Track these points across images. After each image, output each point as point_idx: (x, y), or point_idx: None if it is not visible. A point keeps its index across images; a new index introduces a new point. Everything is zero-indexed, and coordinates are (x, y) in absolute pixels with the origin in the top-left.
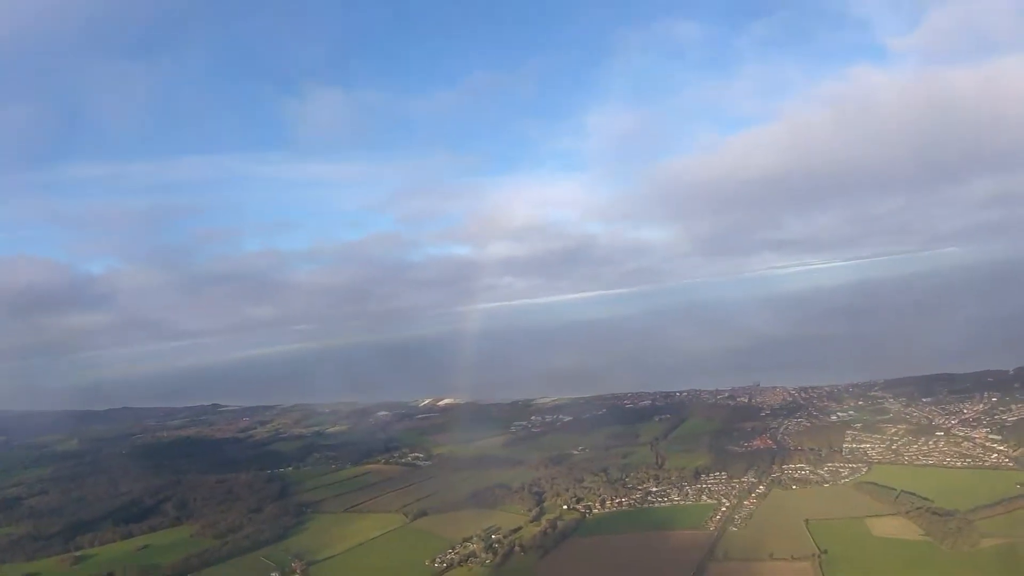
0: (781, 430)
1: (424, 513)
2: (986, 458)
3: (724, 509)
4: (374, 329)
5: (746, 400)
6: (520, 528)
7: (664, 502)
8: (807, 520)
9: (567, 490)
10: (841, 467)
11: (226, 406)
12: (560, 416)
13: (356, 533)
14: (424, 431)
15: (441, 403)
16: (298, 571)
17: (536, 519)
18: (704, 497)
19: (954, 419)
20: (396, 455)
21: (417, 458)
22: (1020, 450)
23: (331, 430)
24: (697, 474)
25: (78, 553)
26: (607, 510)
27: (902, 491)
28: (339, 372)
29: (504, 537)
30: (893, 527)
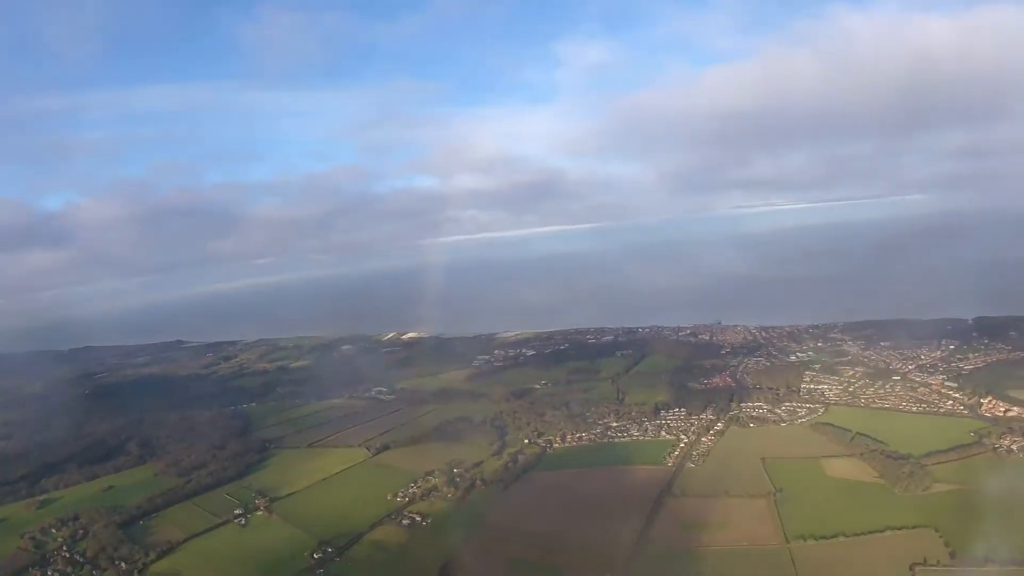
0: (741, 369)
1: (387, 447)
2: (941, 404)
3: (683, 445)
4: (338, 262)
5: (707, 338)
6: (482, 462)
7: (624, 437)
8: (763, 458)
9: (529, 424)
10: (798, 407)
11: (189, 342)
12: (523, 350)
13: (319, 468)
14: (388, 365)
15: (405, 337)
16: (261, 508)
17: (498, 453)
18: (663, 433)
19: (911, 364)
20: (360, 389)
21: (381, 392)
22: (975, 398)
23: (294, 365)
24: (657, 410)
25: (43, 497)
26: (568, 444)
27: (857, 433)
28: (303, 306)
29: (466, 471)
30: (847, 468)
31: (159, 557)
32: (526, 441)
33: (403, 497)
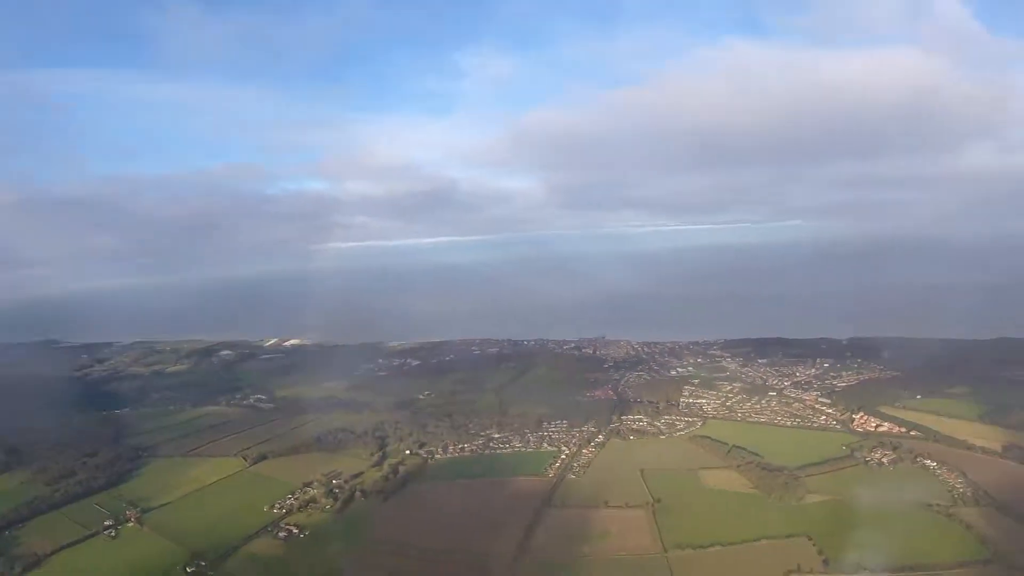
0: (623, 382)
1: (264, 457)
2: (815, 419)
3: (564, 457)
4: (224, 263)
5: (591, 352)
6: (362, 473)
7: (506, 449)
8: (643, 470)
9: (411, 435)
10: (677, 420)
11: (64, 342)
12: (408, 360)
13: (193, 478)
14: (268, 372)
15: (287, 343)
16: (132, 519)
17: (378, 464)
18: (545, 445)
19: (787, 381)
20: (238, 397)
21: (259, 400)
22: (847, 414)
23: (171, 369)
24: (539, 422)
25: None
26: (450, 455)
27: (734, 446)
28: (184, 308)
29: (345, 482)
30: (724, 479)
31: (25, 570)
32: (407, 452)
33: (280, 509)
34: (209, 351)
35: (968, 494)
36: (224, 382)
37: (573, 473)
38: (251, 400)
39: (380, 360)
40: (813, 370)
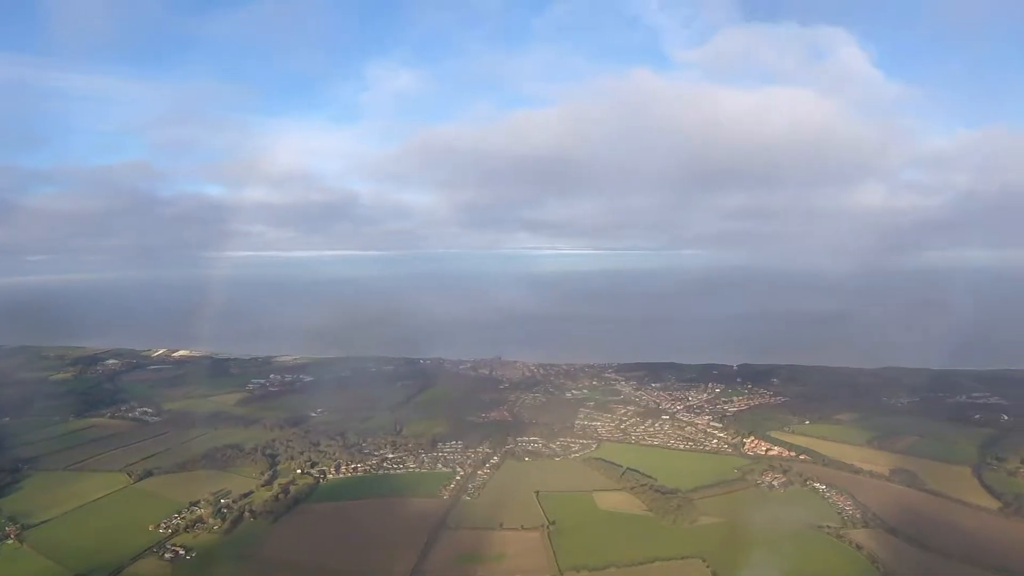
0: (519, 403)
1: (150, 473)
2: (707, 443)
3: (459, 478)
4: (116, 266)
5: (487, 372)
6: (252, 492)
7: (400, 469)
8: (538, 491)
9: (302, 453)
10: (572, 442)
11: None
12: (301, 376)
13: (77, 494)
14: (156, 383)
15: (176, 354)
16: (12, 536)
17: (268, 483)
18: (440, 465)
19: (680, 405)
20: (124, 409)
21: (146, 413)
22: (739, 437)
23: (56, 377)
24: (434, 442)
25: None
26: (342, 475)
27: (628, 468)
28: (73, 311)
29: (234, 501)
30: (618, 501)
31: None
32: (298, 471)
33: (166, 528)
34: (95, 359)
35: (857, 516)
36: (110, 393)
37: (468, 494)
38: (137, 413)
39: (272, 375)
40: (705, 395)
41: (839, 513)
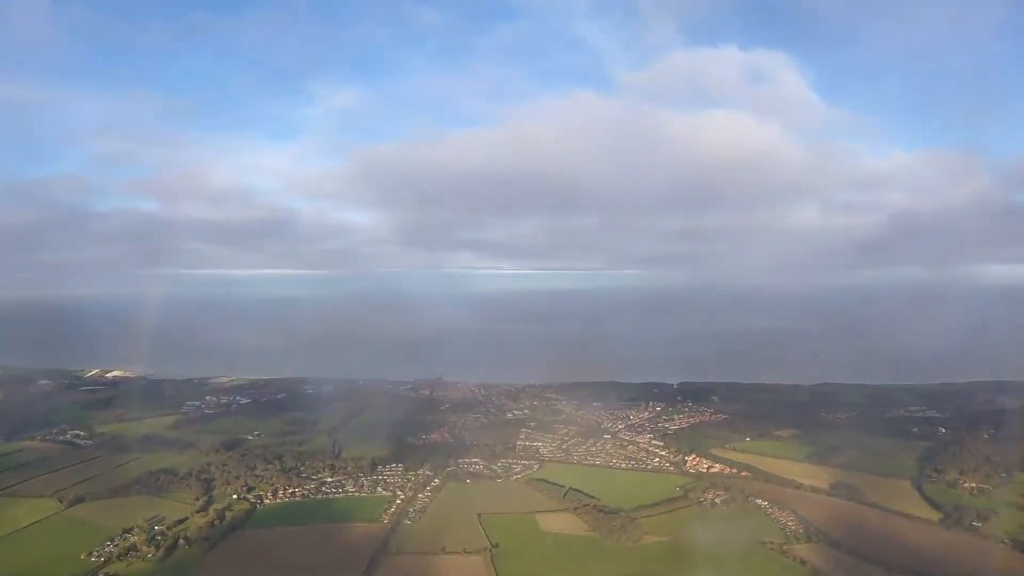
0: (460, 424)
1: (82, 499)
2: (649, 461)
3: (399, 502)
4: (45, 284)
5: (428, 393)
6: (187, 518)
7: (339, 493)
8: (480, 514)
9: (238, 478)
10: (514, 463)
11: None
12: (237, 398)
13: (5, 521)
14: (88, 405)
15: (110, 375)
16: None
17: (204, 509)
18: (380, 489)
19: (621, 424)
20: (54, 431)
21: (77, 436)
22: (680, 455)
23: None
24: (374, 465)
25: None
26: (279, 500)
27: (571, 488)
28: (2, 329)
29: (169, 528)
30: (561, 523)
31: None
32: (235, 496)
33: (99, 556)
34: (25, 379)
35: (800, 531)
36: (40, 414)
37: (409, 519)
38: (68, 435)
39: (207, 396)
40: (646, 413)
41: (782, 528)
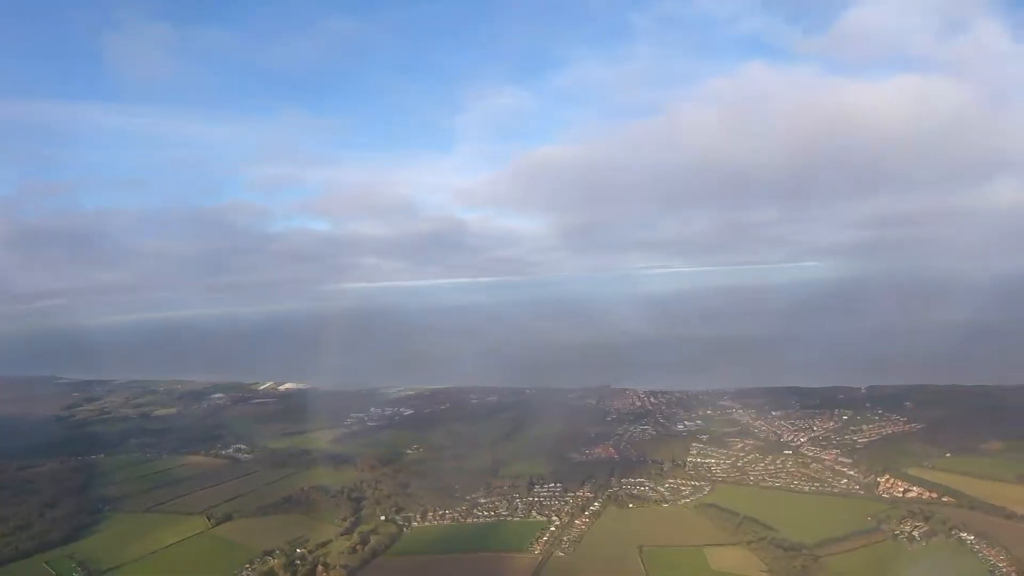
0: (625, 438)
1: (230, 517)
2: (836, 483)
3: (553, 529)
4: (230, 302)
5: (594, 402)
6: (330, 541)
7: (491, 516)
8: (641, 546)
9: (389, 497)
10: (683, 484)
11: (63, 378)
12: (401, 409)
13: (151, 539)
14: (256, 418)
15: (282, 388)
16: None
17: (349, 531)
18: (534, 513)
19: (803, 436)
20: (219, 445)
21: (239, 450)
22: (871, 476)
23: (159, 412)
24: (531, 484)
25: None
26: (428, 523)
27: (745, 517)
28: (186, 347)
29: (310, 552)
30: (734, 559)
31: None
32: (382, 518)
33: None
34: (201, 393)
35: (1013, 574)
36: (209, 428)
37: (562, 549)
38: (231, 450)
39: (373, 408)
40: (831, 423)
41: (991, 571)
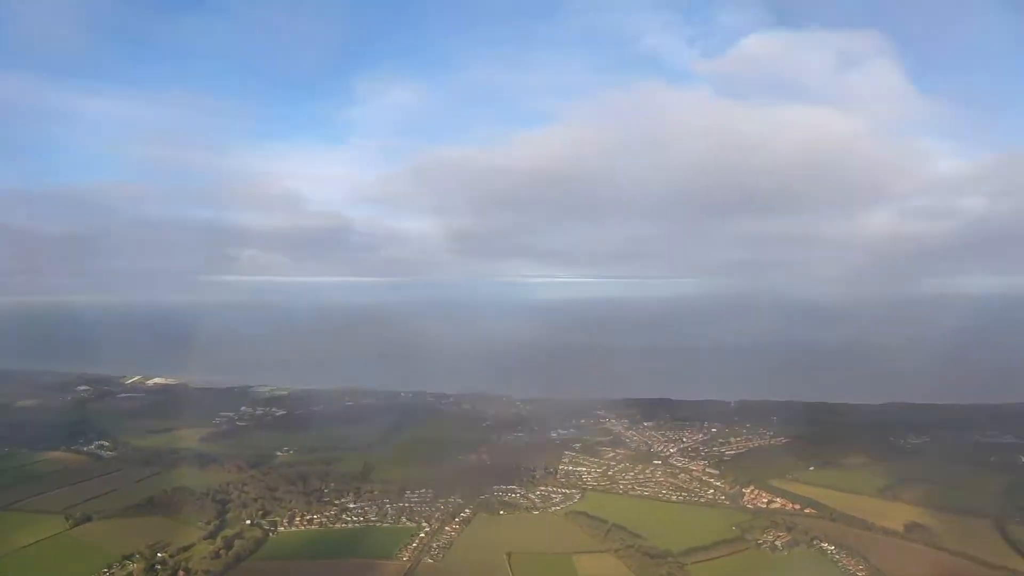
0: (499, 444)
1: (89, 518)
2: (703, 493)
3: (423, 535)
4: (101, 289)
5: (470, 408)
6: (193, 545)
7: (360, 522)
8: (510, 553)
9: (256, 500)
10: (554, 492)
11: None
12: (273, 409)
13: (4, 540)
14: (123, 413)
15: (151, 382)
16: None
17: (213, 535)
18: (404, 519)
19: (673, 447)
20: (81, 441)
21: (102, 447)
22: (737, 487)
23: (19, 404)
24: (402, 490)
25: None
26: (295, 528)
27: (614, 524)
28: (51, 335)
29: (172, 556)
30: (601, 566)
31: None
32: (248, 522)
33: None
34: (65, 386)
35: None
36: (72, 423)
37: (431, 556)
38: (93, 446)
39: (244, 407)
40: (700, 435)
41: None
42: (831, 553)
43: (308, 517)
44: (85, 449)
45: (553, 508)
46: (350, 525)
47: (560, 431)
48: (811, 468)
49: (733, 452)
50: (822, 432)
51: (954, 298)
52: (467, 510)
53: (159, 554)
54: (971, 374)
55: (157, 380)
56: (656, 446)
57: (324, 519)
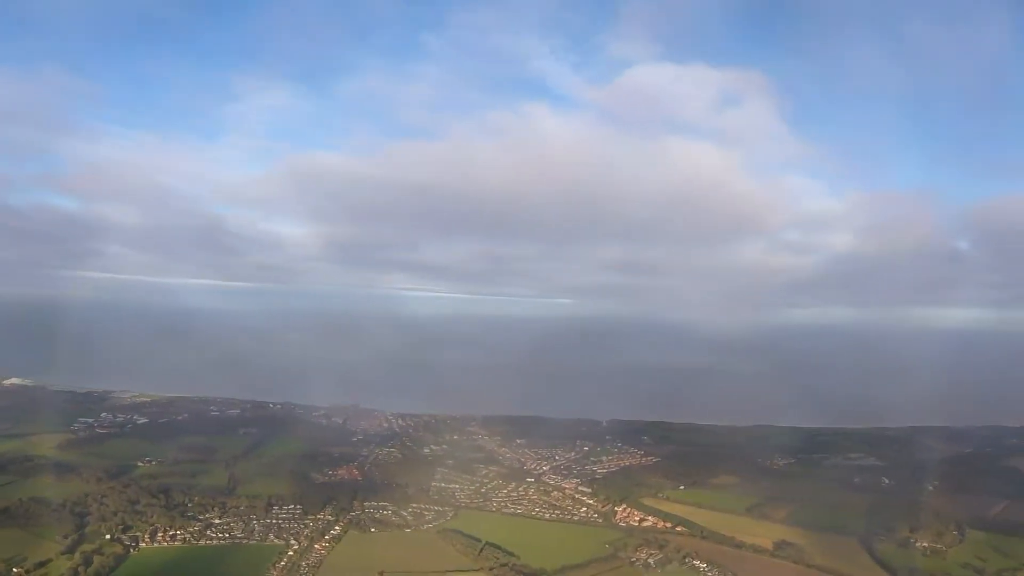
0: (371, 460)
1: None
2: (576, 511)
3: (292, 553)
4: None
5: (340, 421)
6: (50, 561)
7: (225, 539)
8: (382, 572)
9: (116, 514)
10: (427, 509)
11: None
12: (135, 417)
13: None
14: None
15: (6, 382)
16: None
17: (71, 550)
18: (272, 536)
19: (546, 465)
20: None
21: None
22: (609, 505)
23: None
24: (269, 505)
25: None
26: (157, 544)
27: (487, 543)
28: None
29: (27, 572)
30: None
31: None
32: (107, 537)
33: None
34: None
35: None
36: None
37: (300, 575)
38: None
39: (104, 414)
40: (573, 453)
41: None
42: (703, 571)
43: (171, 533)
44: None
45: (426, 526)
46: (215, 542)
47: (433, 447)
48: (681, 487)
49: (605, 471)
50: (692, 452)
51: (817, 328)
52: (337, 527)
53: (14, 569)
54: (834, 400)
55: (13, 381)
56: (529, 464)
57: (188, 535)
